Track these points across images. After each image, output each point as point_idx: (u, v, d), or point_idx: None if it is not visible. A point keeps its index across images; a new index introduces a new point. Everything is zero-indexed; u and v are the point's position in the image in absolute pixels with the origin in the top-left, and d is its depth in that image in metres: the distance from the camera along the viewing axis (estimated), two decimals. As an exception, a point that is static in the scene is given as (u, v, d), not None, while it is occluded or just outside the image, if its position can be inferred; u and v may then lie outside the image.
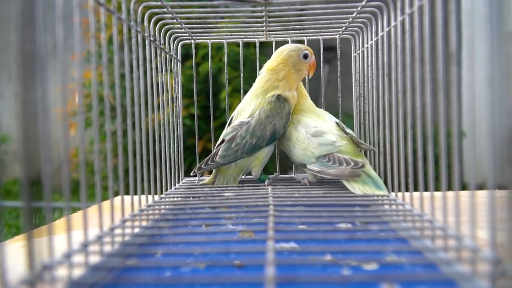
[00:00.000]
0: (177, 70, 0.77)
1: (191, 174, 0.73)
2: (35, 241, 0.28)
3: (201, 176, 0.79)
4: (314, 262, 0.36)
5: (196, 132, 0.81)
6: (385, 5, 0.59)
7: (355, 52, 0.76)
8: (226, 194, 0.62)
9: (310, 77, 0.74)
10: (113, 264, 0.35)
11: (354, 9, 0.65)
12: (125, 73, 0.47)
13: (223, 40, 0.80)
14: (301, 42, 0.80)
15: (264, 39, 0.80)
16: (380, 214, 0.49)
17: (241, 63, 0.81)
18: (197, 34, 0.77)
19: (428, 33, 0.42)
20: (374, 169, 0.64)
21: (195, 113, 0.76)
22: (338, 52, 0.80)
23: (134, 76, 0.50)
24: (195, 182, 0.76)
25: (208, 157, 0.70)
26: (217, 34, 0.78)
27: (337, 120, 0.68)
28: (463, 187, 0.43)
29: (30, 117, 0.28)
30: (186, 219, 0.50)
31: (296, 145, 0.66)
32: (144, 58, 0.54)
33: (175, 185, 0.72)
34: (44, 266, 0.30)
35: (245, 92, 0.76)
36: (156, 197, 0.60)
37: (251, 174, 0.73)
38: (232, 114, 0.73)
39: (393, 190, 0.56)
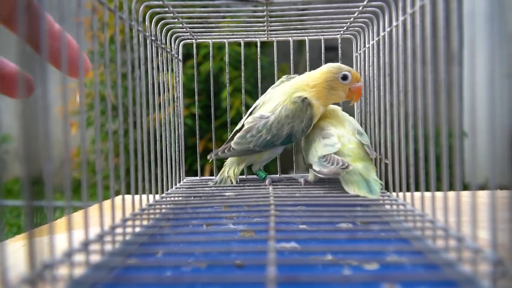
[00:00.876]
0: (178, 69, 0.77)
1: (208, 157, 0.74)
2: (36, 240, 0.28)
3: (202, 176, 0.80)
4: (315, 262, 0.36)
5: (197, 132, 0.81)
6: (386, 5, 0.59)
7: (357, 52, 0.76)
8: (227, 194, 0.62)
9: (351, 104, 0.73)
10: (114, 263, 0.35)
11: (356, 9, 0.65)
12: (126, 72, 0.47)
13: (224, 40, 0.80)
14: (302, 42, 0.80)
15: (265, 39, 0.80)
16: (381, 214, 0.49)
17: (242, 62, 0.81)
18: (198, 34, 0.77)
19: (429, 33, 0.42)
20: (376, 169, 0.64)
21: (196, 113, 0.76)
22: (339, 52, 0.80)
23: (135, 76, 0.50)
24: (196, 182, 0.76)
25: (224, 144, 0.71)
26: (218, 33, 0.78)
27: (358, 127, 0.68)
28: (465, 187, 0.43)
29: (31, 116, 0.28)
30: (187, 219, 0.50)
31: (311, 146, 0.68)
32: (146, 58, 0.54)
33: (176, 185, 0.72)
34: (45, 265, 0.30)
35: (246, 91, 0.76)
36: (157, 197, 0.60)
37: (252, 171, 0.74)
38: (256, 104, 0.73)
39: (394, 190, 0.56)
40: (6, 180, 2.96)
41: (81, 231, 0.35)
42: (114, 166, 0.42)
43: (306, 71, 0.75)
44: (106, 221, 0.39)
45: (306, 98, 0.67)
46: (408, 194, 0.52)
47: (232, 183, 0.71)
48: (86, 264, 0.34)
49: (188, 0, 0.65)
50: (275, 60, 0.80)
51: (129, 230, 0.44)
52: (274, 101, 0.70)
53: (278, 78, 0.79)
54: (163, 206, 0.55)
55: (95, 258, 0.36)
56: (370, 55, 0.68)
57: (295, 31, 0.77)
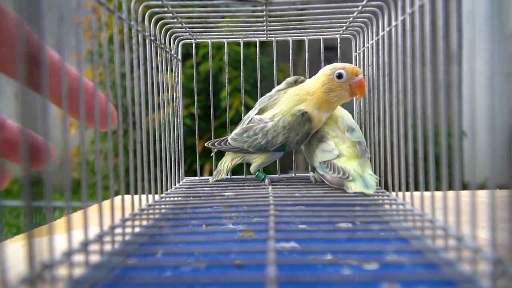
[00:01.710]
0: (178, 69, 0.77)
1: (205, 144, 0.75)
2: (36, 240, 0.28)
3: (201, 176, 0.80)
4: (315, 262, 0.36)
5: (196, 132, 0.81)
6: (385, 5, 0.59)
7: (356, 51, 0.76)
8: (226, 194, 0.62)
9: (359, 100, 0.72)
10: (113, 264, 0.35)
11: (355, 9, 0.65)
12: (125, 72, 0.47)
13: (224, 40, 0.80)
14: (302, 41, 0.80)
15: (264, 39, 0.80)
16: (381, 214, 0.49)
17: (242, 62, 0.81)
18: (198, 34, 0.77)
19: (429, 33, 0.42)
20: (375, 168, 0.64)
21: (196, 113, 0.76)
22: (338, 51, 0.80)
23: (134, 76, 0.50)
24: (195, 182, 0.76)
25: (224, 138, 0.73)
26: (218, 33, 0.78)
27: (349, 123, 0.68)
28: (464, 186, 0.43)
29: (30, 116, 0.28)
30: (187, 219, 0.50)
31: (310, 148, 0.69)
32: (145, 58, 0.54)
33: (175, 185, 0.72)
34: (44, 266, 0.30)
35: (246, 91, 0.76)
36: (157, 197, 0.60)
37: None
38: (260, 106, 0.73)
39: (393, 190, 0.56)
40: (5, 180, 2.96)
41: (81, 231, 0.35)
42: (113, 166, 0.42)
43: (306, 71, 0.75)
44: (106, 221, 0.39)
45: (306, 112, 0.67)
46: (407, 193, 0.52)
47: (223, 177, 0.73)
48: (86, 264, 0.34)
49: (187, 0, 0.65)
50: (274, 60, 0.80)
51: (128, 230, 0.44)
52: (277, 108, 0.70)
53: (278, 78, 0.79)
54: (163, 206, 0.55)
55: (94, 258, 0.36)
56: (370, 55, 0.68)
57: (294, 31, 0.77)
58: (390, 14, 0.57)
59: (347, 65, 0.67)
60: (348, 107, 0.75)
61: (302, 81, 0.72)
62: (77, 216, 0.53)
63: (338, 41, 0.79)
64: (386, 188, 0.59)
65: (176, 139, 0.73)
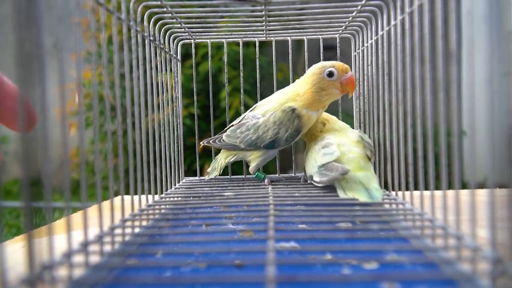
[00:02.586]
0: (177, 69, 0.77)
1: (200, 142, 0.75)
2: (35, 241, 0.28)
3: (201, 176, 0.80)
4: (315, 262, 0.36)
5: (196, 132, 0.81)
6: (385, 4, 0.59)
7: (355, 51, 0.76)
8: (226, 194, 0.62)
9: (350, 97, 0.71)
10: (113, 264, 0.35)
11: (354, 8, 0.65)
12: (125, 73, 0.47)
13: (223, 40, 0.80)
14: (301, 41, 0.80)
15: (264, 39, 0.80)
16: (380, 213, 0.49)
17: (241, 62, 0.81)
18: (197, 34, 0.77)
19: (428, 32, 0.42)
20: (375, 168, 0.64)
21: (195, 113, 0.76)
22: (338, 51, 0.80)
23: (134, 76, 0.50)
24: (195, 182, 0.76)
25: (218, 134, 0.73)
26: (217, 33, 0.78)
27: (361, 135, 0.66)
28: (463, 186, 0.43)
29: (30, 117, 0.28)
30: (186, 219, 0.50)
31: (311, 158, 0.66)
32: (144, 58, 0.54)
33: (175, 185, 0.72)
34: (44, 266, 0.30)
35: (245, 91, 0.76)
36: (156, 197, 0.60)
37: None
38: (256, 104, 0.74)
39: (393, 189, 0.56)
40: (5, 181, 2.96)
41: (80, 232, 0.35)
42: (113, 166, 0.42)
43: (305, 70, 0.75)
44: (105, 221, 0.39)
45: (295, 109, 0.67)
46: (407, 193, 0.52)
47: (216, 175, 0.74)
48: (85, 265, 0.34)
49: (187, 0, 0.65)
50: (274, 59, 0.80)
51: (128, 230, 0.44)
52: (268, 105, 0.70)
53: (277, 78, 0.79)
54: (162, 206, 0.55)
55: (94, 259, 0.36)
56: (369, 54, 0.68)
57: (294, 30, 0.77)
58: (389, 13, 0.57)
59: (335, 63, 0.67)
60: (349, 107, 0.75)
61: None
62: (76, 216, 0.53)
63: (338, 40, 0.79)
64: (386, 187, 0.59)
65: (176, 139, 0.73)
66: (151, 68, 0.58)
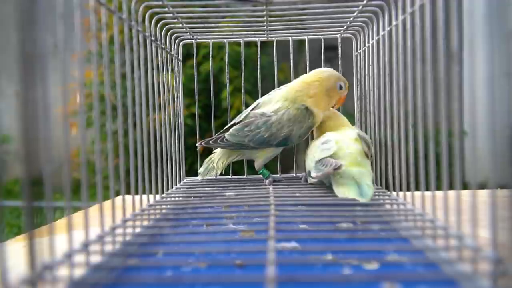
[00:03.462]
0: (178, 69, 0.77)
1: (197, 144, 0.74)
2: (36, 241, 0.28)
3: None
4: (315, 262, 0.36)
5: (197, 132, 0.81)
6: (386, 4, 0.59)
7: (356, 51, 0.76)
8: (227, 194, 0.62)
9: (335, 108, 0.74)
10: (114, 264, 0.35)
11: (355, 8, 0.65)
12: (126, 72, 0.47)
13: (224, 40, 0.80)
14: (302, 41, 0.80)
15: (265, 39, 0.80)
16: (381, 214, 0.49)
17: (242, 62, 0.81)
18: (198, 34, 0.77)
19: (429, 32, 0.42)
20: (375, 167, 0.64)
21: (196, 113, 0.76)
22: (339, 51, 0.80)
23: (135, 76, 0.50)
24: (196, 182, 0.76)
25: (217, 135, 0.72)
26: (218, 33, 0.78)
27: (360, 132, 0.66)
28: (464, 186, 0.43)
29: (31, 116, 0.28)
30: (187, 219, 0.50)
31: (310, 154, 0.67)
32: (145, 58, 0.54)
33: (176, 185, 0.72)
34: (45, 266, 0.30)
35: (247, 91, 0.76)
36: (157, 197, 0.60)
37: (253, 169, 0.73)
38: (258, 101, 0.73)
39: (394, 190, 0.56)
40: (6, 180, 2.96)
41: (81, 232, 0.36)
42: (114, 166, 0.42)
43: (306, 70, 0.75)
44: (106, 221, 0.39)
45: (308, 107, 0.69)
46: (408, 193, 0.52)
47: (216, 175, 0.74)
48: (86, 265, 0.34)
49: (188, 0, 0.65)
50: (275, 59, 0.80)
51: (129, 230, 0.44)
52: (276, 104, 0.70)
53: (278, 78, 0.79)
54: (163, 206, 0.55)
55: (95, 258, 0.36)
56: (370, 54, 0.68)
57: (295, 30, 0.77)
58: (390, 13, 0.57)
59: (342, 78, 0.71)
60: (350, 107, 0.75)
61: None
62: (77, 216, 0.53)
63: (339, 40, 0.79)
64: (387, 187, 0.59)
65: (177, 139, 0.73)
66: (152, 68, 0.58)
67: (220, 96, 1.98)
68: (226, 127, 0.73)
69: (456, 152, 0.35)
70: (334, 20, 0.71)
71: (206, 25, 0.74)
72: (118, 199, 0.47)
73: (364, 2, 0.62)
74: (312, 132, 0.74)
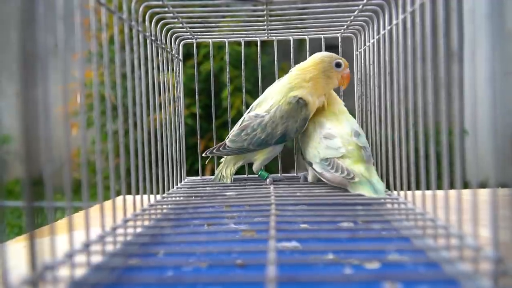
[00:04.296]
0: (179, 69, 0.77)
1: (203, 155, 0.74)
2: (37, 241, 0.28)
3: (203, 175, 0.80)
4: (316, 261, 0.36)
5: (198, 131, 0.81)
6: (386, 4, 0.59)
7: (357, 50, 0.76)
8: (228, 194, 0.62)
9: (343, 89, 0.73)
10: (115, 264, 0.35)
11: (356, 8, 0.65)
12: (126, 72, 0.47)
13: (225, 39, 0.80)
14: (303, 41, 0.80)
15: (265, 38, 0.80)
16: (382, 213, 0.49)
17: (243, 62, 0.81)
18: (199, 33, 0.77)
19: (429, 31, 0.41)
20: (376, 167, 0.64)
21: (197, 112, 0.76)
22: (339, 50, 0.79)
23: (135, 76, 0.50)
24: (197, 182, 0.76)
25: (221, 143, 0.72)
26: (219, 33, 0.78)
27: (356, 127, 0.66)
28: (465, 185, 0.43)
29: (32, 116, 0.28)
30: (188, 219, 0.50)
31: (310, 143, 0.67)
32: (146, 58, 0.54)
33: (177, 185, 0.72)
34: (46, 266, 0.30)
35: (247, 91, 0.76)
36: (158, 197, 0.60)
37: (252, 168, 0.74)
38: (253, 104, 0.74)
39: (395, 189, 0.56)
40: (7, 181, 2.96)
41: (82, 232, 0.36)
42: (114, 166, 0.42)
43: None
44: (107, 221, 0.39)
45: (301, 98, 0.67)
46: (409, 192, 0.52)
47: (226, 182, 0.73)
48: (87, 265, 0.34)
49: (188, 0, 0.65)
50: (276, 59, 0.80)
51: (130, 230, 0.44)
52: (269, 101, 0.70)
53: (279, 77, 0.79)
54: (164, 206, 0.55)
55: (96, 258, 0.36)
56: (371, 53, 0.68)
57: (295, 30, 0.77)
58: (391, 12, 0.57)
59: (337, 56, 0.70)
60: (350, 106, 0.75)
61: None
62: (78, 216, 0.53)
63: (339, 40, 0.79)
64: (388, 187, 0.59)
65: (178, 138, 0.73)
66: (152, 68, 0.58)
67: (220, 96, 1.97)
68: (230, 133, 0.73)
69: (456, 151, 0.35)
70: (334, 19, 0.71)
71: (206, 24, 0.74)
72: (119, 199, 0.47)
73: (365, 1, 0.62)
74: None
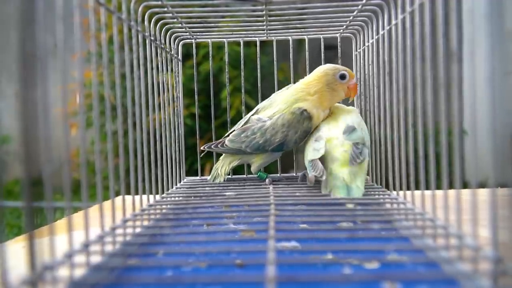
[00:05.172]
0: (178, 69, 0.77)
1: (201, 148, 0.74)
2: (37, 241, 0.28)
3: (202, 175, 0.80)
4: (315, 261, 0.36)
5: (197, 132, 0.81)
6: (385, 4, 0.59)
7: (356, 50, 0.76)
8: (227, 194, 0.62)
9: (350, 100, 0.72)
10: (114, 264, 0.35)
11: (355, 8, 0.65)
12: (125, 73, 0.47)
13: (224, 39, 0.80)
14: (302, 41, 0.80)
15: (264, 38, 0.80)
16: (382, 213, 0.49)
17: (242, 62, 0.81)
18: (198, 34, 0.77)
19: (429, 31, 0.42)
20: (376, 167, 0.64)
21: (196, 113, 0.76)
22: (339, 50, 0.80)
23: (134, 76, 0.50)
24: (196, 182, 0.76)
25: (219, 140, 0.72)
26: (218, 33, 0.78)
27: (351, 122, 0.65)
28: (465, 185, 0.43)
29: (31, 117, 0.28)
30: (187, 219, 0.50)
31: (306, 146, 0.67)
32: (145, 58, 0.54)
33: (176, 185, 0.72)
34: (45, 267, 0.30)
35: (246, 91, 0.76)
36: (158, 197, 0.60)
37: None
38: (259, 106, 0.73)
39: (394, 189, 0.56)
40: (6, 181, 2.96)
41: (82, 232, 0.36)
42: (114, 166, 0.42)
43: (306, 70, 0.75)
44: (107, 221, 0.39)
45: (305, 110, 0.67)
46: (408, 192, 0.52)
47: (220, 181, 0.73)
48: (87, 265, 0.34)
49: (187, 0, 0.65)
50: (275, 59, 0.80)
51: (129, 230, 0.44)
52: (274, 107, 0.70)
53: (278, 77, 0.79)
54: (164, 206, 0.55)
55: (95, 259, 0.36)
56: (370, 53, 0.68)
57: (295, 30, 0.77)
58: (390, 12, 0.57)
59: (341, 67, 0.68)
60: (350, 105, 0.75)
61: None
62: (78, 216, 0.53)
63: (339, 40, 0.79)
64: (387, 187, 0.59)
65: (177, 139, 0.73)
66: (152, 68, 0.58)
67: (219, 96, 1.98)
68: (229, 132, 0.73)
69: (456, 151, 0.35)
70: (333, 20, 0.71)
71: (205, 25, 0.74)
72: (118, 199, 0.47)
73: (364, 1, 0.62)
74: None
